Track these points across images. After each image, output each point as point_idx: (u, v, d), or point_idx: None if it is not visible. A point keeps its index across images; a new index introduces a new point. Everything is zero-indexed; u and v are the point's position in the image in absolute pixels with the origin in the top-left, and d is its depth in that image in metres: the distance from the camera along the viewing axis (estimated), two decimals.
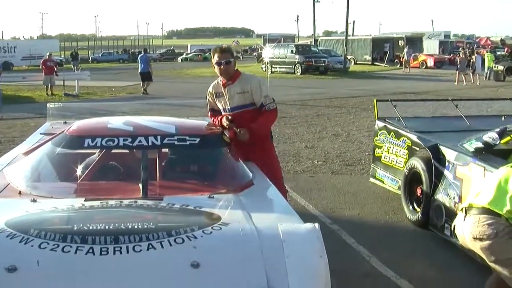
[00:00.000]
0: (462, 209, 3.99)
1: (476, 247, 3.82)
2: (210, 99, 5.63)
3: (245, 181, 4.58)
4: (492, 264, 3.82)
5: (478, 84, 28.30)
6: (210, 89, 5.61)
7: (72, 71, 32.85)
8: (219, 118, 5.48)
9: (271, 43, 47.25)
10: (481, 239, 3.75)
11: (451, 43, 62.00)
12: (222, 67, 5.33)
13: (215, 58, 5.38)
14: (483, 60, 31.91)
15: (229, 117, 5.38)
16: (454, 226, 4.10)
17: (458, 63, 29.84)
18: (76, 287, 3.00)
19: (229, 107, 5.44)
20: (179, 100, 19.68)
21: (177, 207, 3.77)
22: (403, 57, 42.18)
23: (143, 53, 28.10)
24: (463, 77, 28.92)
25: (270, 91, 5.52)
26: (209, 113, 5.70)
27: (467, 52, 33.39)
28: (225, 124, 5.36)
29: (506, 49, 40.76)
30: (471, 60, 30.21)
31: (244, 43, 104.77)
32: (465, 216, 3.89)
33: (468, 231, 3.83)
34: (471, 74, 29.41)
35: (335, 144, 12.33)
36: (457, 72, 29.48)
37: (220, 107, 5.54)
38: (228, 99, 5.43)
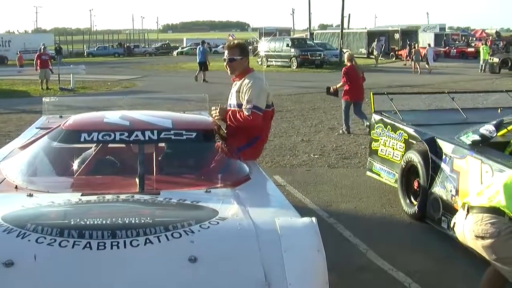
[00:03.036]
0: (463, 205, 3.98)
1: (478, 245, 3.82)
2: None
3: (242, 175, 4.57)
4: (493, 262, 3.84)
5: (430, 71, 32.64)
6: None
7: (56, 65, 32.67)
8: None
9: (266, 36, 47.17)
10: (483, 237, 3.76)
11: (447, 36, 61.99)
12: (226, 63, 5.42)
13: (224, 54, 5.49)
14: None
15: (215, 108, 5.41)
16: (454, 223, 4.10)
17: (413, 54, 34.39)
18: (73, 282, 2.98)
19: (230, 103, 5.48)
20: (176, 94, 19.68)
21: (174, 202, 3.76)
22: (372, 51, 42.25)
23: (201, 45, 30.75)
24: (418, 66, 33.03)
25: (266, 85, 5.44)
26: None
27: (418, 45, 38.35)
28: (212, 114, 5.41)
29: (489, 41, 41.90)
30: (424, 53, 34.98)
31: (240, 36, 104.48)
32: (466, 214, 3.89)
33: (470, 229, 3.83)
34: (425, 63, 33.85)
35: (331, 138, 12.34)
36: (413, 62, 33.78)
37: (228, 102, 5.56)
38: (230, 95, 5.50)
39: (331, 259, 3.39)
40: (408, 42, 43.30)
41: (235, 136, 5.18)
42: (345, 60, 13.76)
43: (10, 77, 28.86)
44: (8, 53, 54.83)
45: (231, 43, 5.55)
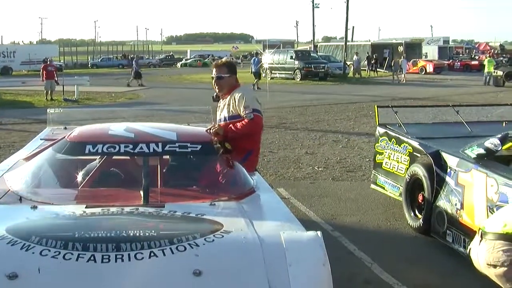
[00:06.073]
0: (478, 231, 3.90)
1: (490, 273, 3.74)
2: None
3: (246, 188, 4.57)
4: None
5: (404, 81, 36.12)
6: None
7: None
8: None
9: (270, 48, 47.26)
10: (495, 266, 3.67)
11: (450, 49, 62.08)
12: (214, 81, 5.58)
13: (212, 73, 5.65)
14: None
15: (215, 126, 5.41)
16: (470, 249, 4.02)
17: (392, 65, 38.23)
18: None
19: (220, 118, 5.58)
20: (180, 106, 19.71)
21: (178, 215, 3.75)
22: (352, 65, 42.49)
23: (255, 56, 33.91)
24: (397, 76, 36.93)
25: (269, 98, 5.48)
26: None
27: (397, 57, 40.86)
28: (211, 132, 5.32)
29: (489, 53, 42.47)
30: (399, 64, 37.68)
31: (244, 48, 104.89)
32: (480, 241, 3.80)
33: (483, 257, 3.75)
34: (403, 74, 37.20)
35: (335, 150, 12.31)
36: (393, 72, 37.57)
37: (217, 118, 5.68)
38: (221, 111, 5.61)
39: (335, 272, 3.37)
40: (367, 55, 45.25)
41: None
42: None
43: (14, 87, 28.95)
44: (13, 64, 55.04)
45: (219, 61, 5.73)
